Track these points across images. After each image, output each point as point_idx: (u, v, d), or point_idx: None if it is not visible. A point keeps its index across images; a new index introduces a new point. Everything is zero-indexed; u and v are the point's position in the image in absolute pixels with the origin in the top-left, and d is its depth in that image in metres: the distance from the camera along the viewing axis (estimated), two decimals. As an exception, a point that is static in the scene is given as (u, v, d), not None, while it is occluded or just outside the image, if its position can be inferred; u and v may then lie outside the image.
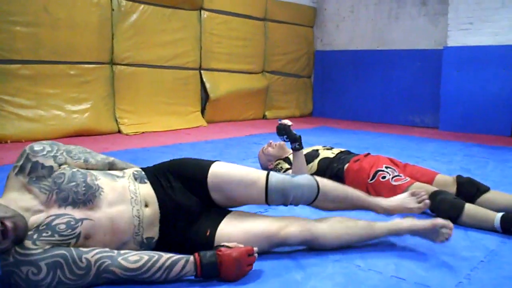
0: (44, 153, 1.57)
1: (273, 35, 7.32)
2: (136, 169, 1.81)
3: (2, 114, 4.32)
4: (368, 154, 2.82)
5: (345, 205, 1.92)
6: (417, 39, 6.97)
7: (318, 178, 1.86)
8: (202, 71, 6.30)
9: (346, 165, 2.72)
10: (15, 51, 4.42)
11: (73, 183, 1.55)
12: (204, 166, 1.81)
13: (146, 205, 1.69)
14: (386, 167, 2.58)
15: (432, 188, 2.35)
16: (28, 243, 1.41)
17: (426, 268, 1.72)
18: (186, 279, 1.54)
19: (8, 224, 1.34)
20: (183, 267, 1.50)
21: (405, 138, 5.48)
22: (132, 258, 1.48)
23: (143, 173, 1.79)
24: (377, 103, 7.42)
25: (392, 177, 2.48)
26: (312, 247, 1.82)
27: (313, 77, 8.24)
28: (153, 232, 1.69)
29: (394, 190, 2.40)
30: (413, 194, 2.00)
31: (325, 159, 2.83)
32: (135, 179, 1.74)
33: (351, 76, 7.67)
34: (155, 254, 1.49)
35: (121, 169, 1.85)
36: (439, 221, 1.84)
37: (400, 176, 2.49)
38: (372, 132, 5.99)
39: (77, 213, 1.52)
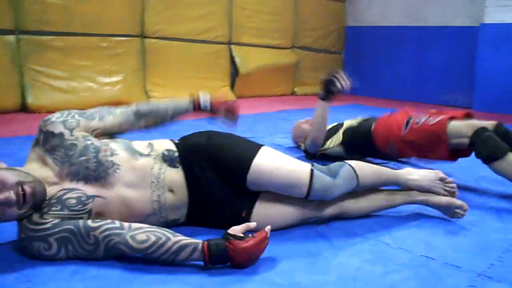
0: (53, 120, 1.53)
1: (303, 10, 7.20)
2: (167, 147, 1.68)
3: (36, 85, 4.41)
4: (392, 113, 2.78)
5: (374, 188, 1.94)
6: (452, 16, 6.76)
7: (358, 170, 1.80)
8: (232, 46, 6.26)
9: (373, 126, 2.67)
10: (48, 23, 4.47)
11: (83, 158, 1.49)
12: (245, 159, 1.67)
13: (171, 191, 1.63)
14: (415, 116, 2.54)
15: (478, 124, 2.29)
16: (36, 217, 1.40)
17: (457, 249, 1.69)
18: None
19: (27, 189, 1.35)
20: (190, 254, 1.40)
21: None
22: (140, 238, 1.39)
23: (176, 154, 1.67)
24: (409, 81, 7.27)
25: (428, 117, 2.42)
26: (337, 217, 1.88)
27: (344, 54, 8.11)
28: (179, 215, 1.68)
29: (436, 133, 2.35)
30: (442, 179, 1.97)
31: (349, 128, 2.80)
32: (165, 160, 1.64)
33: (383, 53, 7.52)
34: (162, 236, 1.40)
35: (150, 115, 1.74)
36: (456, 202, 1.93)
37: (433, 117, 2.43)
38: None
39: (89, 189, 1.48)
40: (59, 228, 1.40)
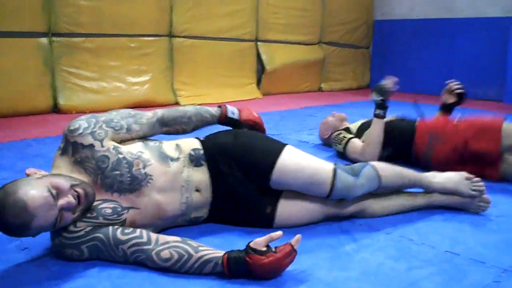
0: (81, 131, 1.46)
1: (330, 5, 7.15)
2: (194, 147, 1.70)
3: (68, 86, 4.53)
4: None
5: (396, 189, 1.95)
6: (483, 7, 6.60)
7: (380, 171, 1.82)
8: (258, 43, 6.28)
9: (415, 124, 2.66)
10: (80, 25, 4.57)
11: (117, 172, 1.47)
12: (269, 158, 1.69)
13: (197, 190, 1.66)
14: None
15: None
16: (70, 225, 1.41)
17: (483, 245, 1.68)
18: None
19: (80, 191, 1.35)
20: (213, 269, 1.39)
21: (467, 112, 5.25)
22: (164, 255, 1.40)
23: (201, 152, 1.69)
24: (439, 74, 7.12)
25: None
26: (358, 216, 1.89)
27: (372, 48, 8.02)
28: (202, 213, 1.71)
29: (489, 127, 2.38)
30: (468, 179, 1.97)
31: (391, 122, 2.71)
32: (191, 161, 1.66)
33: (411, 47, 7.40)
34: (185, 253, 1.39)
35: (174, 124, 1.73)
36: (464, 173, 1.97)
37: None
38: (433, 105, 5.76)
39: (124, 201, 1.49)
40: (91, 236, 1.42)
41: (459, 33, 6.86)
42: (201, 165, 1.68)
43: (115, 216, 1.47)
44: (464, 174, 1.99)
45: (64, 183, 1.34)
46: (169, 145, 1.68)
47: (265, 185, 1.71)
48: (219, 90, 5.72)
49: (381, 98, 2.56)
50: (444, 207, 2.02)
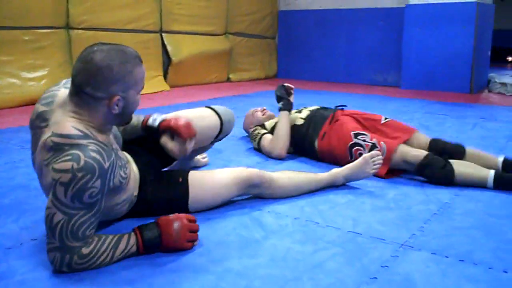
0: None
1: (235, -4, 7.17)
2: None
3: (-47, 83, 4.15)
4: (336, 111, 2.72)
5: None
6: (379, -3, 6.97)
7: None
8: (163, 34, 6.15)
9: (316, 143, 2.60)
10: (-37, 17, 4.20)
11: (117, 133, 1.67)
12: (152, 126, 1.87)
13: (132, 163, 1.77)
14: (356, 135, 2.43)
15: (419, 156, 2.24)
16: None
17: (382, 223, 1.77)
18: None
19: None
20: (128, 241, 1.44)
21: (368, 98, 5.55)
22: (90, 237, 1.39)
23: None
24: (342, 63, 7.44)
25: (369, 151, 2.29)
26: (265, 195, 1.98)
27: (277, 38, 8.17)
28: (136, 188, 1.73)
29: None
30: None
31: (295, 127, 2.70)
32: None
33: (315, 36, 7.64)
34: (103, 235, 1.43)
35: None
36: (367, 154, 2.16)
37: (373, 143, 2.35)
38: (336, 92, 6.04)
39: (121, 155, 1.57)
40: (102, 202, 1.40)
41: (358, 23, 7.19)
42: None
43: (125, 169, 1.54)
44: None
45: None
46: None
47: (159, 149, 1.82)
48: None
49: (282, 102, 2.74)
50: (348, 192, 2.13)
